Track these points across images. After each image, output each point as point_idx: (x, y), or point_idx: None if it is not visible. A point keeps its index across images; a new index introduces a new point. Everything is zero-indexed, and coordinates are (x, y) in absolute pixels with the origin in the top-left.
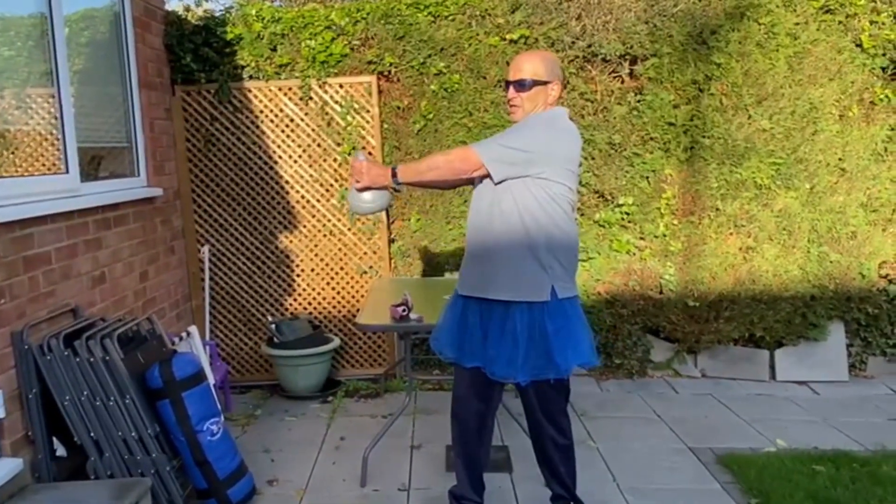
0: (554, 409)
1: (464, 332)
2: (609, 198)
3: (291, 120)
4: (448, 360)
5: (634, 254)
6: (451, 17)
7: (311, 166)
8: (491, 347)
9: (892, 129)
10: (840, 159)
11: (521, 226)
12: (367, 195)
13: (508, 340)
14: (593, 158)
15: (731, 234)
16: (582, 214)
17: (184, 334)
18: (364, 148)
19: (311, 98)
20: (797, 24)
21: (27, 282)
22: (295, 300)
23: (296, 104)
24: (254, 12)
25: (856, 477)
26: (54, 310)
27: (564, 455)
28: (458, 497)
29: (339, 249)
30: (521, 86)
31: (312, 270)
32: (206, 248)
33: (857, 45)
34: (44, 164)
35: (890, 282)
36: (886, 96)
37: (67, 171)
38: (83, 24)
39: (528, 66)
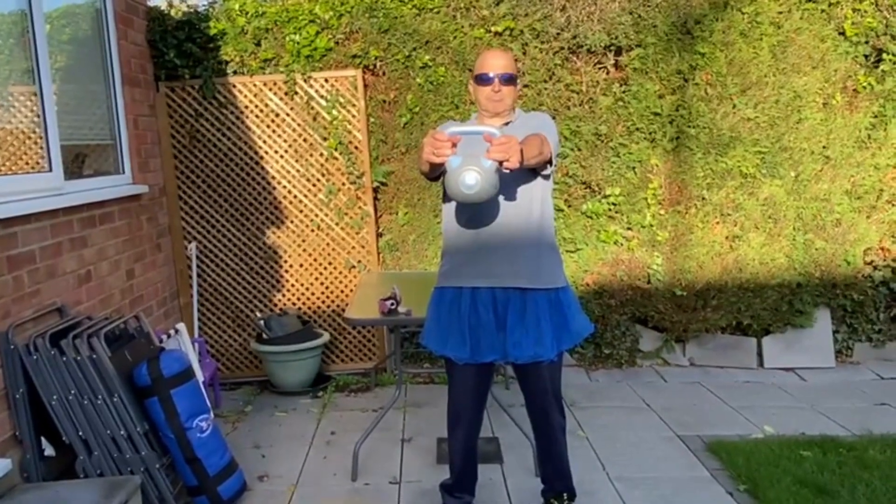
0: (559, 387)
1: (477, 328)
2: (596, 189)
3: (277, 115)
4: (462, 361)
5: (622, 244)
6: (435, 10)
7: (297, 161)
8: (512, 334)
9: (875, 117)
10: (824, 147)
11: (536, 216)
12: (484, 177)
13: (532, 321)
14: (580, 150)
15: (717, 223)
16: (569, 206)
17: (172, 332)
18: (350, 143)
19: (296, 93)
20: (780, 12)
21: (11, 281)
22: (283, 296)
23: (281, 99)
24: (237, 7)
25: (843, 462)
26: (40, 309)
27: (565, 440)
28: (450, 490)
29: (327, 244)
30: (509, 80)
31: (301, 266)
32: (193, 245)
33: (840, 34)
34: (27, 163)
35: (875, 268)
36: (869, 84)
37: (51, 170)
38: (64, 21)
39: (508, 61)
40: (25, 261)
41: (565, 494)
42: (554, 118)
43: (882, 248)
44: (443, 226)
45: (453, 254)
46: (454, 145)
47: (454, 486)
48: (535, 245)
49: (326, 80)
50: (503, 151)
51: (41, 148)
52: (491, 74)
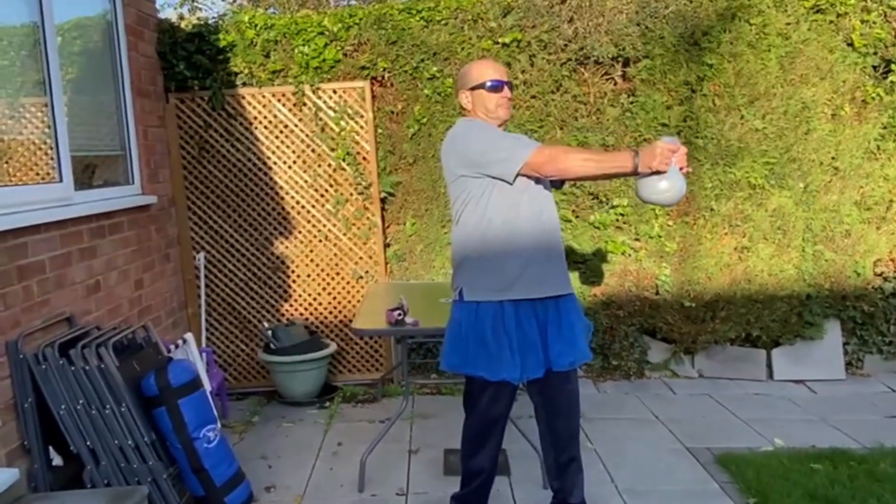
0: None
1: (524, 345)
2: (603, 199)
3: (285, 126)
4: (516, 382)
5: (630, 255)
6: (443, 22)
7: (305, 172)
8: (554, 344)
9: (884, 128)
10: (833, 158)
11: (557, 225)
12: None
13: (567, 327)
14: None
15: (725, 234)
16: (577, 216)
17: (180, 342)
18: (358, 154)
19: (304, 104)
20: (788, 24)
21: (21, 291)
22: (291, 306)
23: (289, 110)
24: (246, 19)
25: (854, 475)
26: (49, 319)
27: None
28: (463, 502)
29: (335, 255)
30: (512, 88)
31: (308, 276)
32: (201, 255)
33: (849, 44)
34: (37, 174)
35: (885, 279)
36: (878, 94)
37: (61, 180)
38: (76, 33)
39: (505, 70)
40: (35, 271)
41: None
42: (562, 128)
43: (892, 260)
44: (470, 234)
45: (496, 263)
46: None
47: (470, 497)
48: (562, 252)
49: (335, 92)
50: (684, 160)
51: (51, 159)
52: (502, 80)
